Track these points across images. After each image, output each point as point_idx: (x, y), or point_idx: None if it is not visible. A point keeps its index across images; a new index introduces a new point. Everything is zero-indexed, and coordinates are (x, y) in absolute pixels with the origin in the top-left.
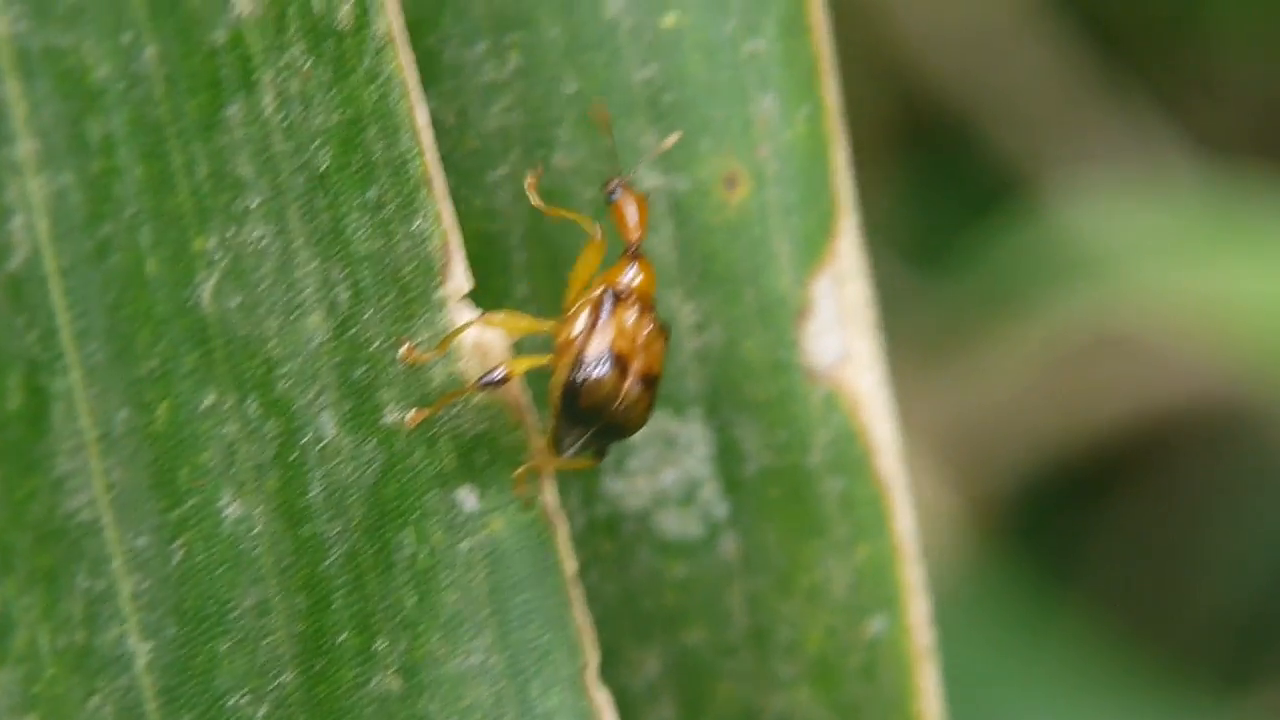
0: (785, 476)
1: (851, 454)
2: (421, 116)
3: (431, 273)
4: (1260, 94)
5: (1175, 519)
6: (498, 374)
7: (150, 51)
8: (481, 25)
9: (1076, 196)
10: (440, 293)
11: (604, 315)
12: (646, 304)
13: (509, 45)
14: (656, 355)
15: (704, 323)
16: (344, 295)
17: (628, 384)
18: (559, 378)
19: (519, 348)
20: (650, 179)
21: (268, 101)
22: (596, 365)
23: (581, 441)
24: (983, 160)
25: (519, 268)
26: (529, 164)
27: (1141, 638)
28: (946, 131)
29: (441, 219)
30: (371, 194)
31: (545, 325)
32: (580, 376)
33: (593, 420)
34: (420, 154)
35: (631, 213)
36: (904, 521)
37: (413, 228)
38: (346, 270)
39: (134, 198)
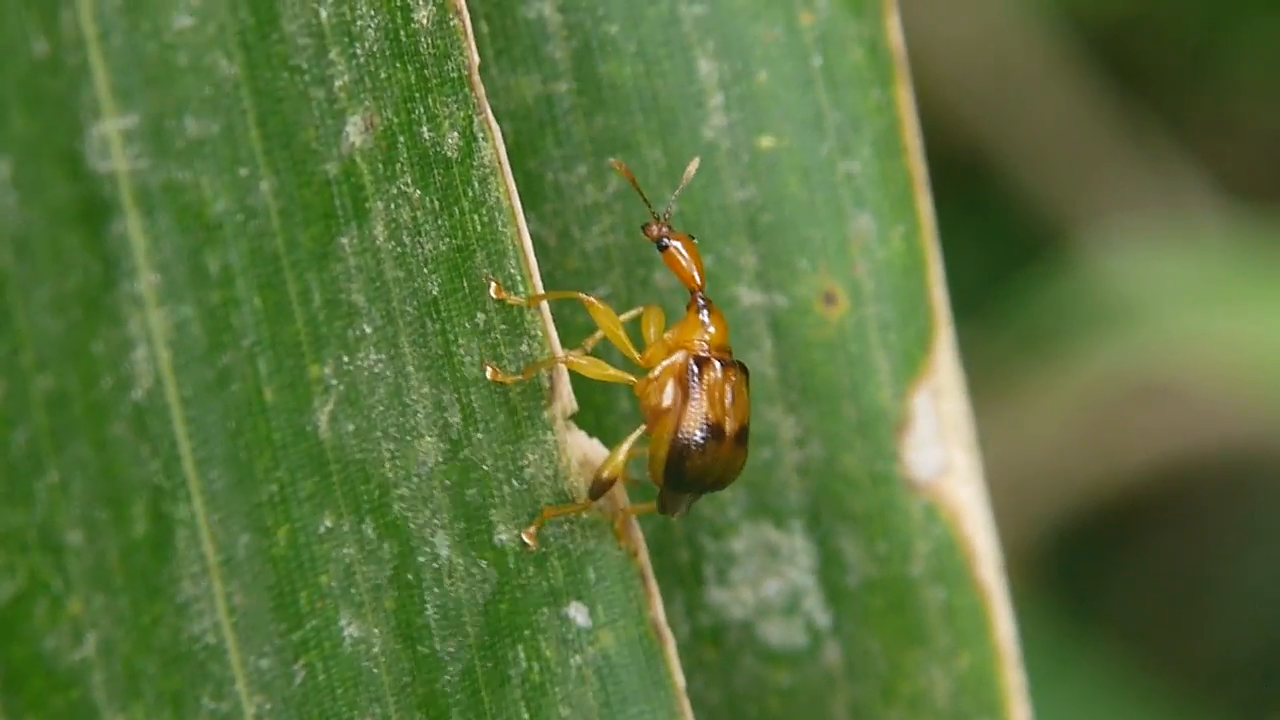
0: (887, 586)
1: (952, 564)
2: (527, 242)
3: (539, 394)
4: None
5: (1204, 560)
6: (605, 475)
7: (266, 184)
8: (583, 148)
9: (1107, 244)
10: (547, 413)
11: (693, 384)
12: (724, 355)
13: (610, 168)
14: (744, 407)
15: (804, 437)
16: (455, 418)
17: (726, 446)
18: (659, 452)
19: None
20: (750, 297)
21: (379, 230)
22: (695, 437)
23: (686, 502)
24: (1010, 205)
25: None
26: (629, 283)
27: (1168, 675)
28: (974, 177)
29: (549, 341)
30: (480, 318)
31: (628, 379)
32: (681, 450)
33: (697, 486)
34: (528, 278)
35: (685, 256)
36: (1004, 629)
37: (520, 350)
38: (457, 394)
39: (252, 327)
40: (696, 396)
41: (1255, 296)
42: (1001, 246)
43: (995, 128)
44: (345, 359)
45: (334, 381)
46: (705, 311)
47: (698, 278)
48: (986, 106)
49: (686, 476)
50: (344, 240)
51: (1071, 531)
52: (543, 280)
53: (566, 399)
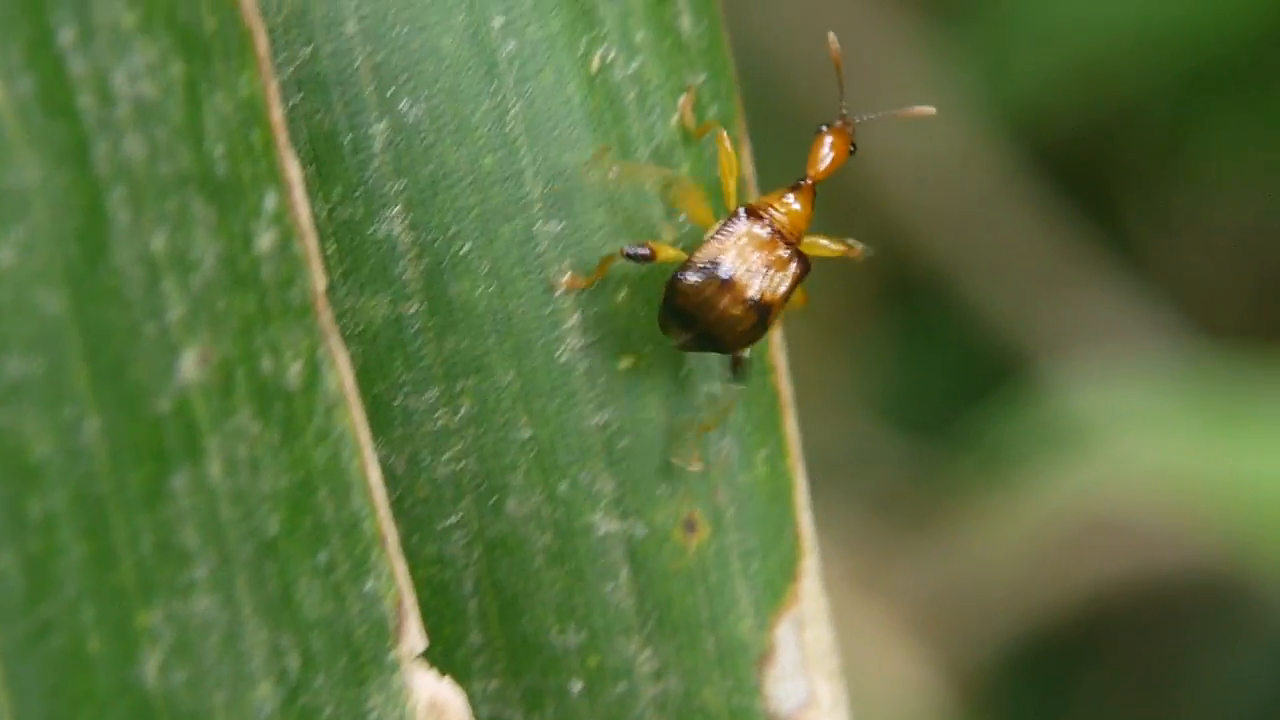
0: None
1: None
2: (374, 474)
3: (385, 634)
4: (1245, 247)
5: (1156, 691)
6: (643, 250)
7: (92, 425)
8: (433, 372)
9: (1069, 369)
10: (394, 654)
11: (730, 228)
12: (790, 237)
13: (461, 391)
14: (776, 285)
15: (662, 670)
16: (294, 663)
17: (725, 298)
18: (673, 271)
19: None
20: (606, 524)
21: (214, 469)
22: (696, 271)
23: (682, 340)
24: (972, 326)
25: (472, 616)
26: (480, 511)
27: None
28: (934, 298)
29: (395, 578)
30: (322, 557)
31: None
32: (679, 275)
33: (687, 321)
34: (373, 513)
35: (825, 152)
36: None
37: (365, 589)
38: (297, 637)
39: (75, 575)
40: (726, 236)
41: (1211, 429)
42: (963, 368)
43: (956, 247)
44: (176, 605)
45: (163, 630)
46: (797, 190)
47: (821, 168)
48: (946, 226)
49: (676, 300)
50: (176, 481)
51: (1022, 659)
52: (392, 508)
53: (414, 638)
